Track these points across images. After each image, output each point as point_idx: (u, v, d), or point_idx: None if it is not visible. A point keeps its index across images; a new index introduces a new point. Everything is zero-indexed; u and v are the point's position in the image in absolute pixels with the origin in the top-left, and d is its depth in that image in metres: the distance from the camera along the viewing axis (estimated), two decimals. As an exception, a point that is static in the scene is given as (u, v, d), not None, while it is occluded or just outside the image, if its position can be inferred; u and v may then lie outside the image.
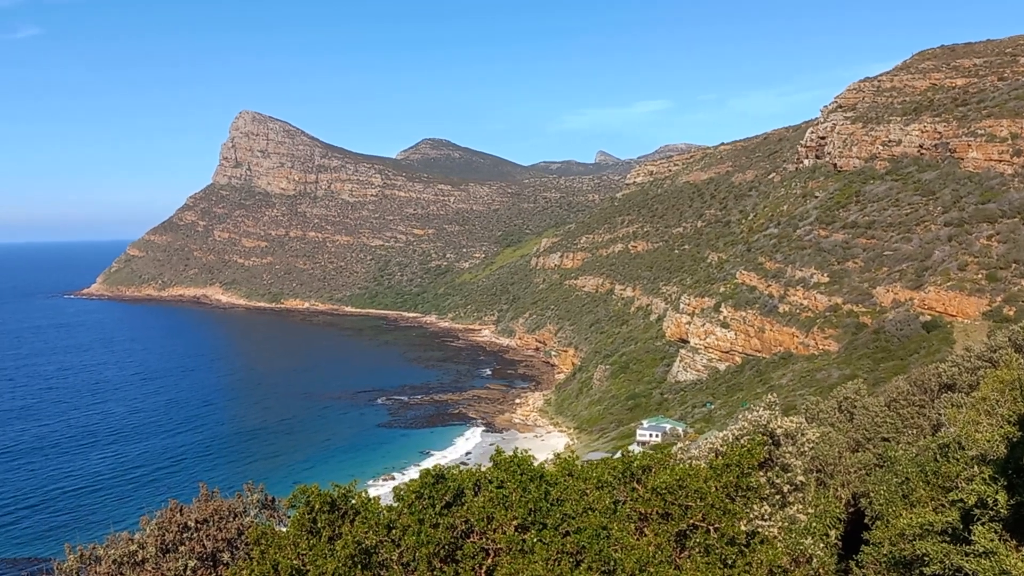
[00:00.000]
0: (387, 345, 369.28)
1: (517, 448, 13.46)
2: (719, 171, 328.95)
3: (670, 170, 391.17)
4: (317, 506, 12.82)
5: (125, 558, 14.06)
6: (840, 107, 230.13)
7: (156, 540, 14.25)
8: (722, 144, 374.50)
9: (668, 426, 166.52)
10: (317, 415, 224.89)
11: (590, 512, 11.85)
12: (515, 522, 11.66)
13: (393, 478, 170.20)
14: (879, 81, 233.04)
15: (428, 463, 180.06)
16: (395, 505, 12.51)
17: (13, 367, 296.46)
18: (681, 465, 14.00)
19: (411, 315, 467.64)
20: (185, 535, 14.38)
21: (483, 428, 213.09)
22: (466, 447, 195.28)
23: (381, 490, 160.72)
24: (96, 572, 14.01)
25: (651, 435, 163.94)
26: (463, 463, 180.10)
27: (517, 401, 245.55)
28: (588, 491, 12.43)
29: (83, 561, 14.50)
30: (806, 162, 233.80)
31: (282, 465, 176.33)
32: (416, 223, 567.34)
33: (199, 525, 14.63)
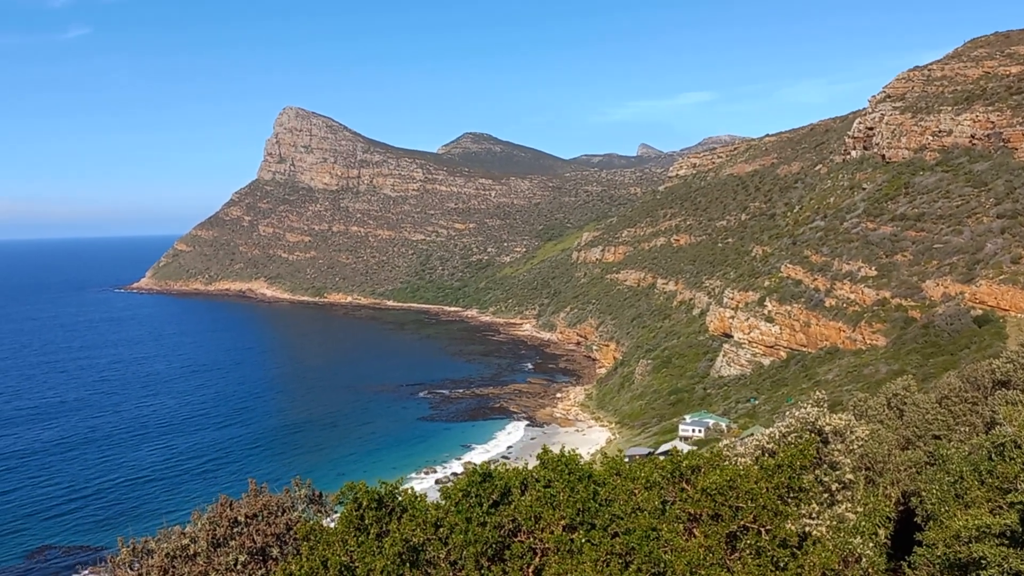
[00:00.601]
0: (428, 339, 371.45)
1: (564, 446, 13.31)
2: (764, 163, 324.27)
3: (714, 162, 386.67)
4: (365, 503, 12.87)
5: (177, 552, 14.30)
6: (889, 97, 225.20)
7: (207, 534, 14.45)
8: (767, 135, 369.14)
9: (711, 421, 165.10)
10: (360, 408, 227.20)
11: (639, 513, 11.70)
12: (563, 522, 11.57)
13: (435, 471, 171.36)
14: (930, 70, 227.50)
15: (469, 457, 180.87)
16: (442, 503, 12.50)
17: (67, 359, 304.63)
18: (731, 465, 13.77)
19: (452, 309, 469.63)
20: (235, 530, 14.56)
21: (524, 422, 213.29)
22: (508, 441, 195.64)
23: (423, 483, 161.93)
24: (148, 565, 14.27)
25: (694, 430, 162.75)
26: (504, 457, 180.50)
27: (558, 395, 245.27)
28: (636, 491, 12.28)
29: (135, 554, 14.77)
30: (853, 153, 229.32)
31: (326, 458, 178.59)
32: (457, 217, 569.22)
33: (248, 520, 14.81)
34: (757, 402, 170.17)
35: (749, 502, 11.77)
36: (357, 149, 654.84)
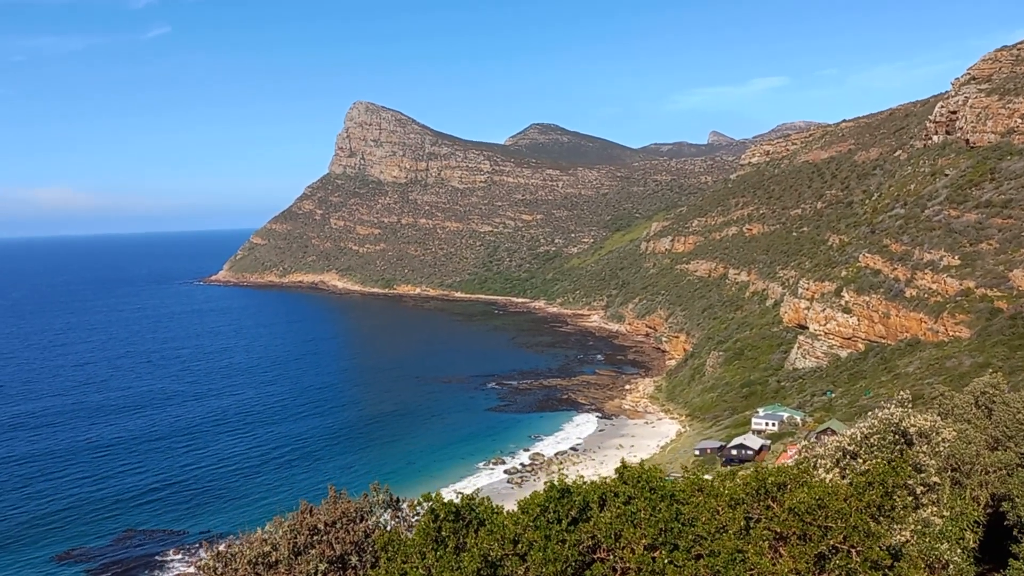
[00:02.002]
0: (496, 330, 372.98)
1: (644, 461, 13.00)
2: (840, 149, 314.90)
3: (788, 149, 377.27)
4: (442, 515, 12.83)
5: (259, 559, 14.54)
6: (973, 79, 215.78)
7: (288, 542, 14.65)
8: (844, 121, 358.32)
9: (785, 414, 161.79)
10: (430, 399, 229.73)
11: (723, 533, 11.35)
12: (644, 541, 11.28)
13: (503, 462, 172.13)
14: (1019, 49, 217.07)
15: (538, 448, 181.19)
16: (520, 517, 12.36)
17: (153, 350, 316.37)
18: (819, 482, 13.27)
19: (520, 300, 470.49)
20: (315, 537, 14.72)
21: (593, 414, 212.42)
22: (576, 433, 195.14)
23: (492, 474, 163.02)
24: (232, 570, 14.56)
25: (767, 424, 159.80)
26: (573, 449, 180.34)
27: (627, 387, 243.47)
28: (720, 509, 11.90)
29: (219, 560, 15.09)
30: (935, 138, 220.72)
31: (398, 448, 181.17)
32: (524, 208, 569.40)
33: (328, 528, 14.95)
34: (833, 395, 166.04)
35: (839, 522, 11.28)
36: (425, 142, 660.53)
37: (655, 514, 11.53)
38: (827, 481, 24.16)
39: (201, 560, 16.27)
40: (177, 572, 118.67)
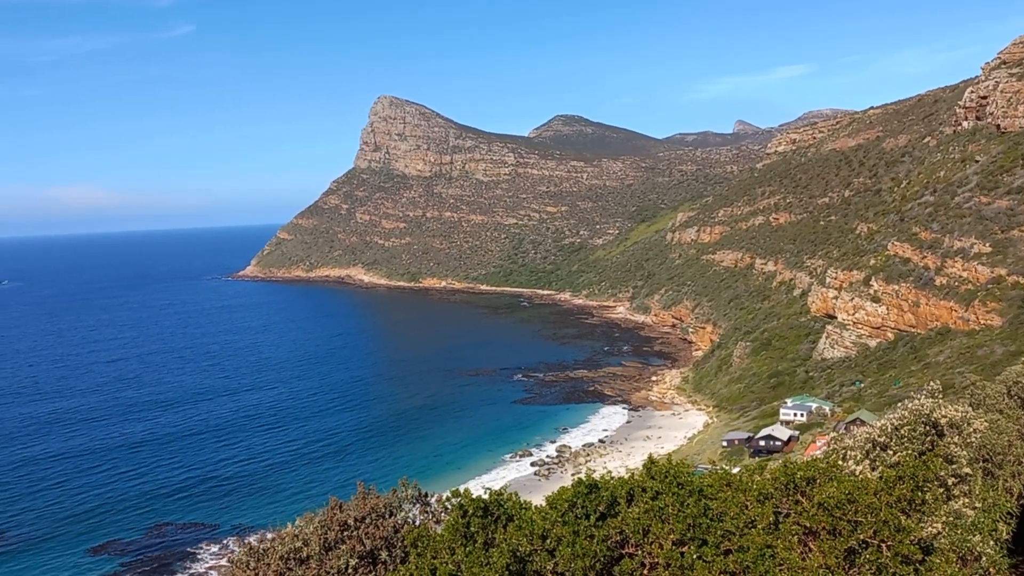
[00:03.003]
0: (522, 322, 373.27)
1: (671, 452, 12.99)
2: (868, 137, 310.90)
3: (814, 137, 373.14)
4: (471, 511, 12.92)
5: (291, 554, 14.74)
6: (1004, 63, 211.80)
7: (319, 538, 14.84)
8: (871, 108, 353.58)
9: (814, 405, 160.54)
10: (457, 391, 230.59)
11: (752, 528, 11.33)
12: (672, 536, 11.29)
13: (530, 454, 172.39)
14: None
15: (564, 440, 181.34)
16: (548, 513, 12.41)
17: (184, 346, 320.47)
18: (849, 477, 13.18)
19: (545, 292, 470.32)
20: (345, 533, 14.89)
21: (620, 406, 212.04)
22: (603, 425, 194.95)
23: (518, 466, 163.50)
24: (265, 564, 14.79)
25: (795, 414, 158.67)
26: (601, 441, 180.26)
27: (653, 379, 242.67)
28: (749, 504, 11.87)
29: (252, 555, 15.32)
30: (965, 124, 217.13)
31: (425, 440, 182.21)
32: (549, 200, 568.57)
33: (357, 523, 15.12)
34: (862, 385, 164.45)
35: (869, 516, 11.20)
36: (449, 135, 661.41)
37: (683, 509, 11.54)
38: (857, 473, 23.99)
39: (234, 555, 16.53)
40: (209, 564, 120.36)
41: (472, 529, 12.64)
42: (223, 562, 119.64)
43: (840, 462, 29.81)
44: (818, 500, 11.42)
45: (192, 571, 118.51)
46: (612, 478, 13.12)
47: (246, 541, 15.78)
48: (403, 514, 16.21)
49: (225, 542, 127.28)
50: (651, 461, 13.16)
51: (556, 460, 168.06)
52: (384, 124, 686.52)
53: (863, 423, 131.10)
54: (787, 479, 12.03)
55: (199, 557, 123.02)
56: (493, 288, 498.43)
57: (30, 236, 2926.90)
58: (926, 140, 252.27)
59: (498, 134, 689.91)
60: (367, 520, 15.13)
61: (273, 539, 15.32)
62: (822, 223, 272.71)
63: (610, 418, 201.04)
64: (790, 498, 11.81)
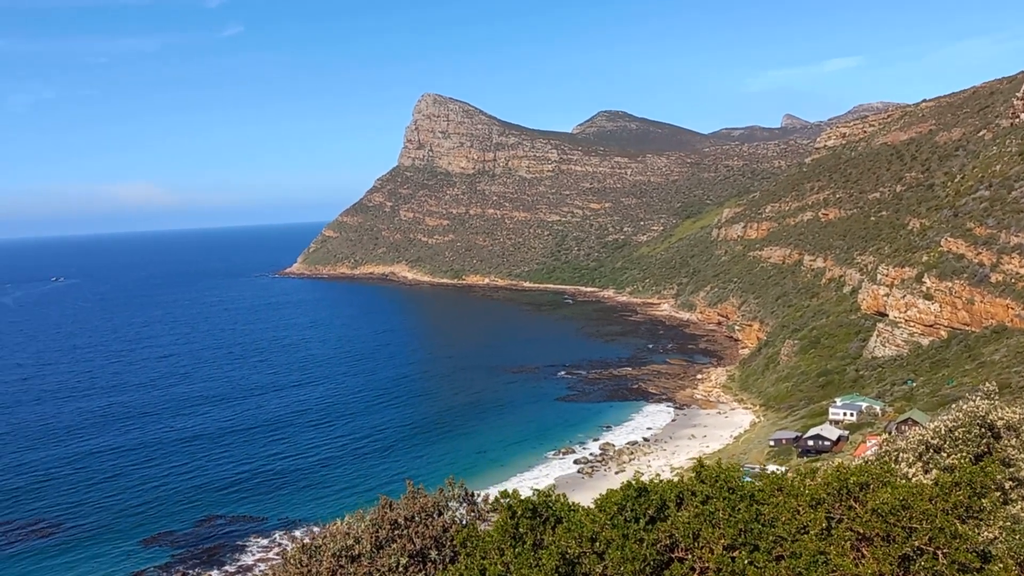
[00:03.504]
0: (565, 319, 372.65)
1: (717, 451, 12.90)
2: (921, 130, 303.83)
3: (865, 131, 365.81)
4: (520, 511, 12.98)
5: (343, 552, 14.97)
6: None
7: (371, 536, 15.04)
8: (924, 101, 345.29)
9: (864, 404, 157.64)
10: (500, 388, 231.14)
11: (804, 534, 11.19)
12: (723, 541, 11.22)
13: (573, 452, 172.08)
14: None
15: (608, 438, 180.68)
16: (597, 515, 12.41)
17: (233, 342, 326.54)
18: (904, 482, 12.95)
19: (588, 289, 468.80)
20: (396, 532, 15.08)
21: (664, 404, 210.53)
22: (646, 423, 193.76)
23: (562, 464, 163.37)
24: (318, 561, 15.05)
25: (845, 414, 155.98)
26: (645, 439, 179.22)
27: (699, 376, 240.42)
28: (801, 509, 11.73)
29: (305, 552, 15.60)
30: (1023, 116, 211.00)
31: (468, 437, 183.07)
32: (593, 197, 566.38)
33: (407, 522, 15.30)
34: (914, 384, 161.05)
35: (924, 523, 10.98)
36: (492, 132, 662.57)
37: (734, 514, 11.43)
38: (910, 476, 23.54)
39: (287, 551, 16.85)
40: (257, 557, 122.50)
41: (521, 530, 12.70)
42: (271, 555, 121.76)
43: (892, 465, 29.24)
44: (872, 506, 11.23)
45: (241, 563, 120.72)
46: (661, 481, 13.07)
47: (294, 535, 16.10)
48: (450, 513, 16.35)
49: (273, 535, 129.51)
50: (701, 465, 13.08)
51: (600, 458, 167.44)
52: (428, 122, 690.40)
53: (915, 423, 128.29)
54: (840, 484, 11.86)
55: (247, 549, 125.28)
56: (536, 285, 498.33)
57: (89, 234, 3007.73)
58: (981, 133, 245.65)
59: (541, 131, 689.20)
60: (416, 519, 15.30)
61: (325, 536, 15.58)
62: (873, 219, 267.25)
63: (654, 416, 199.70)
64: (843, 503, 11.64)
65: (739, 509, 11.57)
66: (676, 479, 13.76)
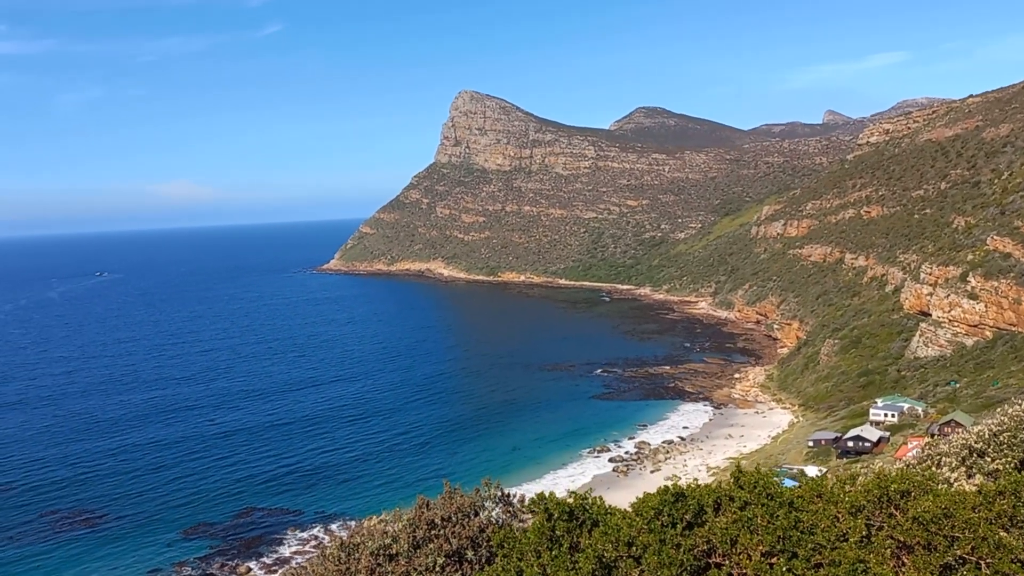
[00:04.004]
0: (601, 317, 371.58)
1: (759, 465, 12.83)
2: (967, 126, 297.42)
3: (909, 127, 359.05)
4: (556, 514, 13.03)
5: (381, 551, 15.15)
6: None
7: (408, 535, 15.21)
8: (970, 96, 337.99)
9: (906, 405, 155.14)
10: (535, 386, 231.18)
11: (843, 542, 11.08)
12: (761, 548, 11.15)
13: (608, 450, 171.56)
14: None
15: (643, 437, 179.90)
16: (634, 519, 12.40)
17: (272, 337, 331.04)
18: (945, 490, 12.75)
19: (624, 287, 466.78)
20: (432, 532, 15.23)
21: (701, 403, 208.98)
22: (683, 422, 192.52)
23: (597, 462, 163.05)
24: (356, 559, 15.25)
25: (886, 415, 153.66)
26: (681, 438, 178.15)
27: (736, 376, 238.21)
28: (841, 516, 11.60)
29: (344, 549, 15.81)
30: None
31: (503, 433, 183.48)
32: (630, 194, 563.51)
33: (444, 522, 15.44)
34: (958, 386, 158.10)
35: (966, 532, 10.81)
36: (529, 129, 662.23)
37: (773, 520, 11.35)
38: (952, 480, 23.08)
39: (326, 548, 17.10)
40: (295, 549, 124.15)
41: (557, 532, 12.74)
42: (308, 547, 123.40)
43: (934, 469, 28.71)
44: (913, 514, 11.08)
45: (278, 555, 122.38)
46: (699, 486, 13.02)
47: (331, 528, 16.29)
48: (486, 513, 16.46)
49: (310, 528, 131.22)
50: (739, 470, 13.00)
51: (635, 457, 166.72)
52: (464, 119, 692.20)
53: (958, 425, 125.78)
54: (880, 491, 11.70)
55: (285, 542, 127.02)
56: (572, 282, 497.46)
57: (131, 230, 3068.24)
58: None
59: (578, 127, 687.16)
60: (453, 519, 15.43)
61: (363, 534, 15.79)
62: (916, 216, 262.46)
63: (691, 415, 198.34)
64: (883, 511, 11.48)
65: (778, 516, 11.48)
66: (714, 484, 13.66)
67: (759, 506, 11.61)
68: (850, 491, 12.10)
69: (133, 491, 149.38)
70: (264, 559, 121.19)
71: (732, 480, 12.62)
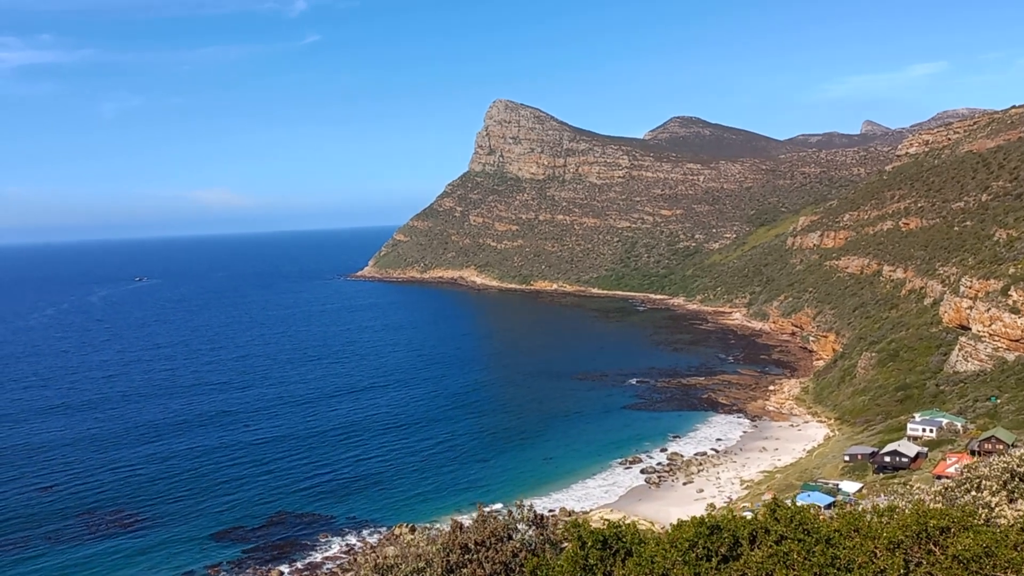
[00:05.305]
0: (633, 327, 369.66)
1: (795, 498, 12.66)
2: (1009, 138, 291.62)
3: (949, 139, 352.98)
4: (589, 543, 13.00)
5: (414, 573, 15.23)
6: None
7: (442, 560, 15.26)
8: (1013, 107, 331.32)
9: (944, 421, 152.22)
10: (566, 395, 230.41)
11: (882, 579, 10.94)
12: (797, 583, 11.05)
13: (640, 461, 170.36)
14: None
15: (675, 448, 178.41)
16: (668, 551, 12.34)
17: (310, 343, 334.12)
18: (987, 528, 12.51)
19: (657, 297, 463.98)
20: (466, 556, 15.26)
21: (734, 415, 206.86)
22: (715, 434, 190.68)
23: (628, 473, 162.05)
24: (389, 582, 15.35)
25: (924, 430, 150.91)
26: (714, 450, 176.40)
27: (771, 388, 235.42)
28: (878, 552, 11.44)
29: (377, 571, 15.91)
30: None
31: (536, 444, 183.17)
32: (664, 204, 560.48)
33: (477, 547, 15.47)
34: (999, 401, 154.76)
35: (1008, 571, 10.60)
36: (563, 138, 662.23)
37: (809, 557, 11.22)
38: (992, 505, 22.69)
39: (360, 570, 17.22)
40: (327, 554, 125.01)
41: (591, 561, 12.71)
42: (338, 552, 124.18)
43: (975, 492, 28.20)
44: (953, 552, 10.89)
45: (309, 560, 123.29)
46: (734, 517, 12.92)
47: (363, 535, 16.38)
48: (519, 536, 16.46)
49: (343, 535, 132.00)
50: (776, 503, 12.88)
51: (667, 468, 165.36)
52: (499, 127, 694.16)
53: (999, 441, 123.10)
54: (919, 527, 11.51)
55: (317, 548, 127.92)
56: (604, 292, 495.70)
57: (169, 236, 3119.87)
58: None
59: (612, 136, 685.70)
60: (487, 544, 15.46)
61: (397, 556, 15.88)
62: (956, 229, 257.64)
63: (724, 427, 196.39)
64: (922, 548, 11.30)
65: (814, 552, 11.36)
66: (750, 516, 13.53)
67: (795, 540, 11.49)
68: (888, 525, 11.93)
69: (169, 495, 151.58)
70: (296, 564, 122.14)
71: (768, 512, 12.52)
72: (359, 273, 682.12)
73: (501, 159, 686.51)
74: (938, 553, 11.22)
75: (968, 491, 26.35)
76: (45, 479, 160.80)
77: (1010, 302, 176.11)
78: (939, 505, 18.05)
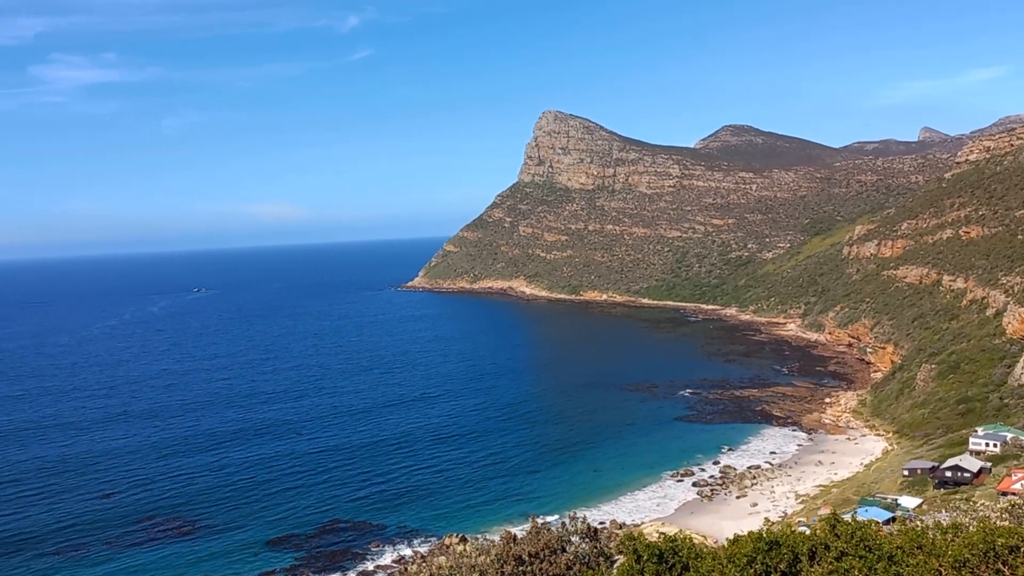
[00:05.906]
0: (685, 337, 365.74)
1: (855, 513, 12.39)
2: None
3: (1012, 144, 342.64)
4: (645, 556, 12.90)
5: (469, 584, 15.30)
6: None
7: (496, 571, 15.27)
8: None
9: (1009, 435, 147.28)
10: (616, 406, 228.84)
11: (947, 599, 10.63)
12: (859, 602, 10.81)
13: (692, 474, 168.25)
14: None
15: (728, 461, 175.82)
16: (727, 567, 12.16)
17: (359, 355, 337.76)
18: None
19: (709, 307, 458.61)
20: (520, 568, 15.25)
21: (789, 428, 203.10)
22: (770, 447, 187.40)
23: (680, 485, 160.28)
24: (444, 591, 15.44)
25: (987, 444, 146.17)
26: (767, 463, 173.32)
27: (827, 400, 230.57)
28: (943, 571, 11.13)
29: (432, 580, 16.04)
30: None
31: (585, 456, 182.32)
32: (715, 213, 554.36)
33: (531, 558, 15.45)
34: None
35: (1083, 593, 10.23)
36: (613, 148, 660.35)
37: (871, 574, 10.98)
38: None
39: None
40: (378, 563, 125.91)
41: (646, 575, 12.62)
42: (390, 561, 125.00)
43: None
44: (1022, 572, 10.54)
45: (360, 569, 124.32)
46: (793, 532, 12.69)
47: (414, 545, 16.47)
48: (573, 548, 16.41)
49: (394, 545, 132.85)
50: (836, 519, 12.62)
51: (720, 481, 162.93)
52: (548, 138, 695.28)
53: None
54: (986, 545, 11.16)
55: (368, 557, 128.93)
56: (655, 302, 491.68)
57: (226, 247, 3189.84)
58: None
59: (662, 146, 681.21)
60: (540, 556, 15.43)
61: (452, 567, 15.94)
62: (1020, 237, 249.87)
63: (778, 440, 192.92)
64: (990, 567, 10.94)
65: (876, 569, 11.10)
66: (807, 531, 13.29)
67: (856, 557, 11.24)
68: (953, 543, 11.58)
69: (225, 503, 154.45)
70: (349, 573, 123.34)
71: (827, 527, 12.27)
72: (409, 284, 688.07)
73: (550, 169, 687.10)
74: (1007, 573, 10.88)
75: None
76: (107, 486, 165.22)
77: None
78: (1006, 523, 17.48)
